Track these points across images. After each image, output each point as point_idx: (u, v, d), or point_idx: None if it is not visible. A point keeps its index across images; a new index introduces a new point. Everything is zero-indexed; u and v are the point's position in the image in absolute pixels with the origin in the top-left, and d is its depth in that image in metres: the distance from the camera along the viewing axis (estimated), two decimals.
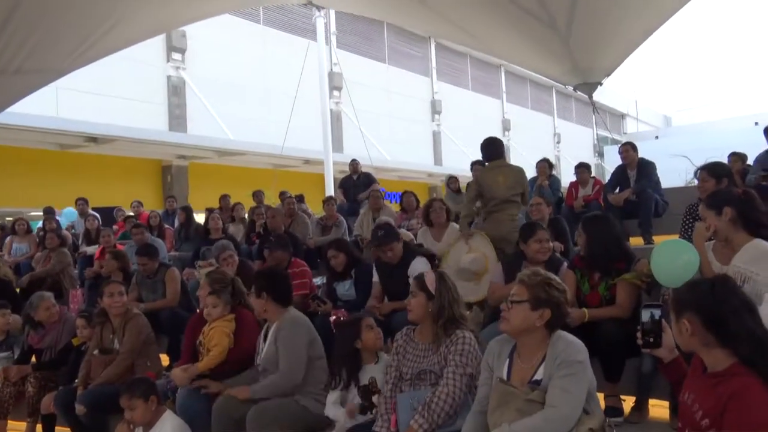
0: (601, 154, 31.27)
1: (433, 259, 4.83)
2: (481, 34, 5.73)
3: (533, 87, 30.58)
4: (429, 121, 24.41)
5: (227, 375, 3.75)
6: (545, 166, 8.06)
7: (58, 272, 7.30)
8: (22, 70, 5.16)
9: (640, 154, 6.64)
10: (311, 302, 4.72)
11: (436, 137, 24.46)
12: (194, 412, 3.61)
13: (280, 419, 3.36)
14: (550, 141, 31.00)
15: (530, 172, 6.85)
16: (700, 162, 4.98)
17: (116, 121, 13.23)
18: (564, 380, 2.36)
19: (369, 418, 3.14)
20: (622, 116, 38.78)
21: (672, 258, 3.07)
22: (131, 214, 9.52)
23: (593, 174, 7.74)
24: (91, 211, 9.32)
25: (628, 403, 3.43)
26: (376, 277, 4.65)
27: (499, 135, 25.76)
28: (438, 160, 23.88)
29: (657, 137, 29.04)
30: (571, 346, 2.44)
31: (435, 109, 24.42)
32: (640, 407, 3.39)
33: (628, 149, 6.59)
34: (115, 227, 8.97)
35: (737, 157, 6.70)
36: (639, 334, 2.21)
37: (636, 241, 6.02)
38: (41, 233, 8.02)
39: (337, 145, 18.02)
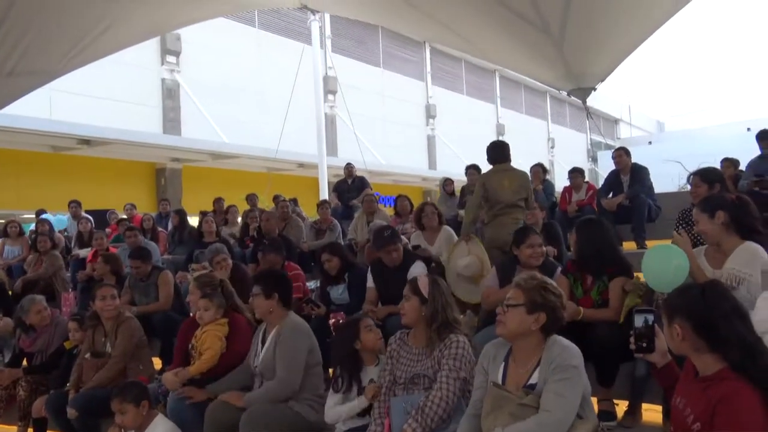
0: (594, 159, 31.40)
1: (431, 263, 4.84)
2: (475, 38, 5.74)
3: (527, 92, 30.62)
4: (423, 125, 24.40)
5: (218, 380, 3.72)
6: (539, 170, 8.06)
7: (50, 275, 7.26)
8: (15, 73, 5.14)
9: (634, 159, 6.67)
10: (305, 306, 4.70)
11: (430, 141, 24.46)
12: (186, 416, 3.59)
13: (273, 425, 3.33)
14: (544, 146, 31.03)
15: None
16: (693, 167, 5.00)
17: (110, 123, 13.16)
18: (559, 385, 2.37)
19: (366, 422, 3.12)
20: (616, 121, 38.86)
21: (663, 263, 3.08)
22: (124, 217, 9.49)
23: (587, 179, 7.76)
24: (84, 214, 9.29)
25: (621, 407, 3.43)
26: (371, 282, 4.63)
27: (493, 139, 25.93)
28: (432, 165, 23.86)
29: (650, 142, 29.18)
30: (567, 350, 2.45)
31: (429, 113, 24.43)
32: (634, 411, 3.39)
33: (621, 154, 6.62)
34: (108, 230, 8.94)
35: (730, 162, 6.74)
36: (632, 339, 2.22)
37: (629, 246, 6.04)
38: (33, 236, 7.97)
39: (332, 148, 18.02)
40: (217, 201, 9.45)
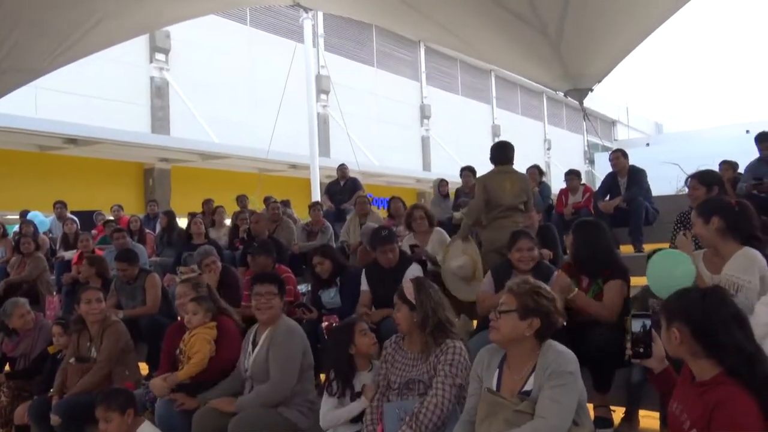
0: (591, 161, 31.53)
1: (426, 265, 4.78)
2: (472, 38, 5.71)
3: (524, 93, 30.70)
4: (418, 126, 24.38)
5: (208, 384, 3.67)
6: (535, 172, 8.05)
7: (34, 278, 7.18)
8: (0, 70, 5.04)
9: (631, 161, 6.67)
10: (297, 310, 4.63)
11: (424, 142, 24.44)
12: (174, 422, 3.54)
13: (262, 431, 3.28)
14: (541, 147, 31.10)
15: None
16: (691, 170, 4.99)
17: (97, 122, 13.03)
18: (554, 391, 2.34)
19: (358, 428, 3.07)
20: (613, 123, 39.06)
21: (668, 269, 3.06)
22: (111, 218, 9.39)
23: (584, 181, 7.76)
24: (69, 215, 9.21)
25: (618, 413, 3.41)
26: (365, 285, 4.59)
27: (488, 141, 25.86)
28: (427, 166, 23.85)
29: (648, 144, 29.37)
30: (562, 356, 2.42)
31: (424, 113, 24.42)
32: (630, 418, 3.38)
33: (618, 156, 6.61)
34: (94, 232, 8.83)
35: (728, 165, 6.74)
36: (629, 345, 2.22)
37: (626, 250, 6.02)
38: (17, 237, 7.86)
39: (324, 149, 17.93)
40: (207, 202, 9.40)
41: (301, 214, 9.75)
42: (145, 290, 5.32)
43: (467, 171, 8.28)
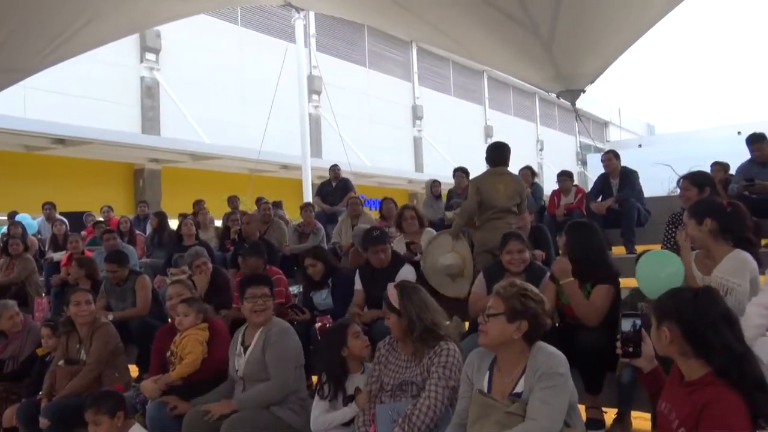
0: (584, 162, 31.65)
1: (419, 265, 4.79)
2: (463, 38, 5.70)
3: (516, 93, 30.75)
4: (410, 126, 24.38)
5: (199, 386, 3.65)
6: (528, 173, 8.07)
7: (22, 279, 7.11)
8: None
9: (623, 162, 6.70)
10: (289, 311, 4.62)
11: (417, 143, 24.43)
12: (165, 425, 3.51)
13: (256, 431, 3.27)
14: (533, 148, 31.16)
15: None
16: (683, 171, 5.00)
17: (86, 122, 12.94)
18: (545, 392, 2.35)
19: (350, 430, 3.06)
20: (605, 124, 39.20)
21: (657, 270, 3.08)
22: (101, 219, 9.32)
23: (576, 182, 7.77)
24: (58, 216, 9.13)
25: (609, 414, 3.42)
26: (358, 285, 4.59)
27: (481, 142, 25.87)
28: (419, 167, 23.83)
29: (640, 145, 29.54)
30: (552, 358, 2.42)
31: (416, 114, 24.41)
32: (622, 419, 3.38)
33: (611, 157, 6.64)
34: (83, 233, 8.77)
35: (720, 166, 6.76)
36: (618, 344, 2.23)
37: (618, 251, 6.03)
38: (5, 239, 7.78)
39: (316, 150, 17.87)
40: (198, 203, 9.34)
41: (292, 215, 9.72)
42: (135, 292, 5.29)
43: (460, 172, 8.29)
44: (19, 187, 12.79)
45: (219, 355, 3.74)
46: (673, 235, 4.55)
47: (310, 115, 15.44)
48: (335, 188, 9.08)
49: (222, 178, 15.87)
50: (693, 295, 2.01)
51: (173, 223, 8.36)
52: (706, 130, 30.06)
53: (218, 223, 8.76)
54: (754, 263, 3.01)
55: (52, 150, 13.20)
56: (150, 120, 15.56)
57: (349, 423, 3.09)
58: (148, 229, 8.61)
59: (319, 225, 7.51)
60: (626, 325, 2.20)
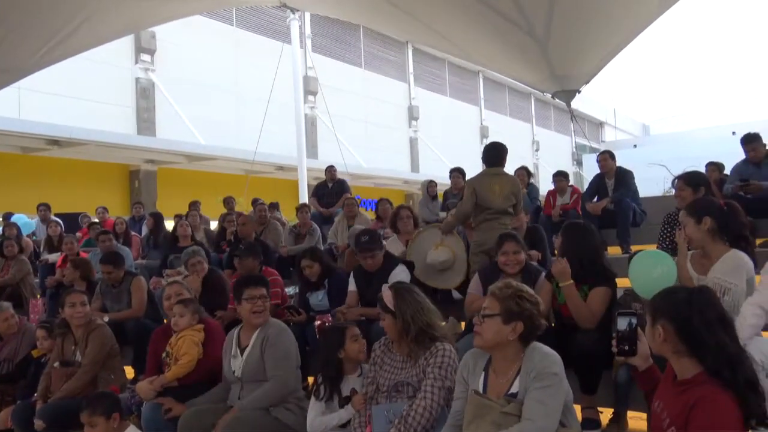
0: (579, 163, 31.62)
1: (413, 266, 4.78)
2: (459, 39, 5.71)
3: (512, 94, 30.82)
4: (406, 127, 24.40)
5: (194, 387, 3.64)
6: (523, 174, 8.04)
7: (17, 281, 7.07)
8: None
9: (619, 163, 6.70)
10: (285, 312, 4.61)
11: (412, 144, 24.45)
12: (160, 426, 3.49)
13: (253, 431, 3.27)
14: (529, 149, 31.25)
15: None
16: (678, 171, 5.01)
17: (81, 123, 12.91)
18: (540, 392, 2.35)
19: (346, 431, 3.06)
20: (601, 124, 39.31)
21: (649, 270, 3.10)
22: (96, 220, 9.29)
23: (571, 182, 7.77)
24: (53, 217, 9.09)
25: (606, 414, 3.41)
26: (352, 286, 4.56)
27: (477, 142, 25.83)
28: (415, 167, 23.86)
29: (635, 146, 29.64)
30: (547, 358, 2.43)
31: (412, 115, 24.44)
32: (618, 419, 3.38)
33: (606, 158, 6.64)
34: (78, 234, 8.73)
35: (715, 166, 6.76)
36: (614, 342, 2.23)
37: (614, 251, 6.03)
38: (0, 240, 7.75)
39: (312, 151, 17.89)
40: (193, 204, 9.32)
41: (288, 216, 9.70)
42: (130, 293, 5.28)
43: (456, 172, 8.29)
44: (14, 189, 12.75)
45: (214, 356, 3.72)
46: (669, 235, 4.57)
47: (305, 115, 15.44)
48: (331, 189, 9.07)
49: (218, 179, 15.85)
50: (688, 294, 2.02)
51: (169, 225, 8.34)
52: (701, 131, 30.20)
53: (214, 224, 8.73)
54: (750, 263, 3.02)
55: (47, 151, 13.16)
56: (145, 121, 15.54)
57: (345, 425, 3.08)
58: (144, 231, 8.57)
59: (315, 226, 7.49)
60: (622, 323, 2.21)
